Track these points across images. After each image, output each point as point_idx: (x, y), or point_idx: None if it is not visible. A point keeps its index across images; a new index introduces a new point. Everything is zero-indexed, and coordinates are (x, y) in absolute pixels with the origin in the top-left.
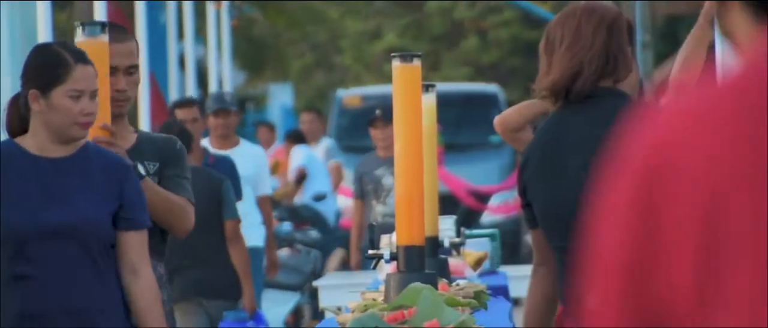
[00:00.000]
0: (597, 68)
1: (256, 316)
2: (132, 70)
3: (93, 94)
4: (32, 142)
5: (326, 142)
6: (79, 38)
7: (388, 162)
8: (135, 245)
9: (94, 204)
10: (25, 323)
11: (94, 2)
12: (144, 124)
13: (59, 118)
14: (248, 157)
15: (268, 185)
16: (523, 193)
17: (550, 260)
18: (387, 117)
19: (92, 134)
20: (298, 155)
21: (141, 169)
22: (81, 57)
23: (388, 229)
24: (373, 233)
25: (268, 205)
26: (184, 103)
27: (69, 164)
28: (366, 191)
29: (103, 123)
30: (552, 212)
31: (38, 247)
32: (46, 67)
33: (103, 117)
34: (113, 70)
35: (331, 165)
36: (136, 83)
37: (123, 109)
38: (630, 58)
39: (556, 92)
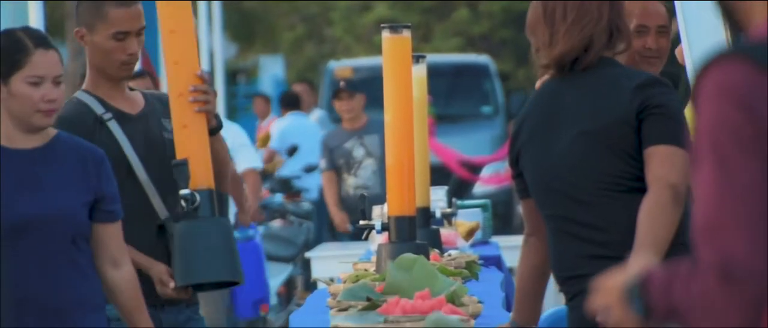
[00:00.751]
0: (605, 42)
1: (251, 227)
2: (141, 31)
3: (56, 80)
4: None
5: (318, 114)
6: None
7: (357, 134)
8: (114, 236)
9: (69, 195)
10: (4, 318)
11: None
12: None
13: (20, 105)
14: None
15: (252, 159)
16: (514, 162)
17: (541, 230)
18: (351, 88)
19: (188, 83)
20: (282, 125)
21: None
22: (42, 42)
23: (366, 200)
24: (364, 204)
25: (253, 177)
26: (137, 75)
27: (41, 155)
28: (338, 164)
29: (199, 71)
30: (544, 180)
31: (13, 240)
32: (6, 53)
33: (190, 69)
34: (124, 35)
35: None
36: (142, 43)
37: (132, 72)
38: (629, 31)
39: (562, 65)
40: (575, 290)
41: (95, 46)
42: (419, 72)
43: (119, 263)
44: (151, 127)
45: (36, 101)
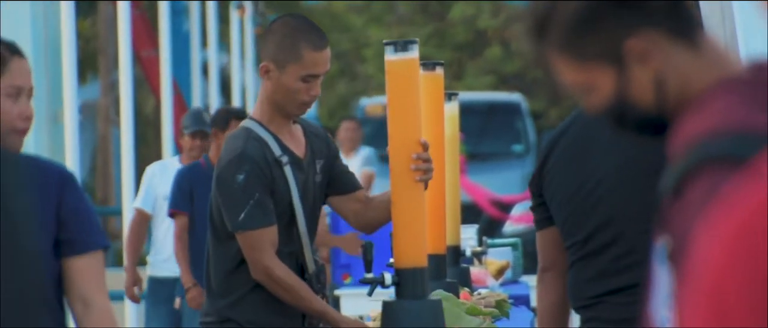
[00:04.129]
0: None
1: None
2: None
3: (30, 94)
4: None
5: (365, 152)
6: (390, 56)
7: None
8: (84, 272)
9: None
10: None
11: (118, 9)
12: (167, 130)
13: None
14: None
15: None
16: (538, 189)
17: (558, 263)
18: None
19: (408, 149)
20: None
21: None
22: (17, 50)
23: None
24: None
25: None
26: (244, 115)
27: None
28: None
29: (422, 139)
30: (577, 205)
31: None
32: None
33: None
34: (314, 78)
35: (363, 173)
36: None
37: (306, 112)
38: None
39: None
40: (589, 316)
41: (281, 84)
42: (452, 110)
43: (90, 302)
44: (310, 174)
45: (14, 118)
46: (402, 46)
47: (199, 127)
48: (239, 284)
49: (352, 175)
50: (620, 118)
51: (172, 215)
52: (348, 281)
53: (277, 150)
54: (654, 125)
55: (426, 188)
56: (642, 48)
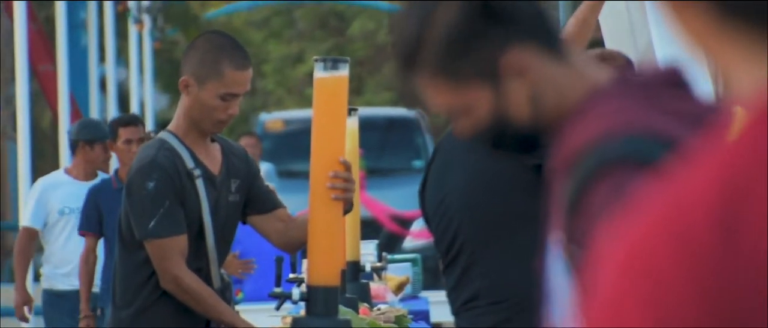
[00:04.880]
0: None
1: None
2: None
3: None
4: None
5: (264, 167)
6: (319, 73)
7: None
8: None
9: None
10: None
11: (15, 23)
12: (64, 144)
13: None
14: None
15: None
16: (423, 209)
17: None
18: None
19: (329, 167)
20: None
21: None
22: None
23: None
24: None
25: None
26: (130, 121)
27: None
28: None
29: (343, 158)
30: (437, 218)
31: None
32: None
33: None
34: (233, 97)
35: None
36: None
37: (222, 130)
38: None
39: None
40: (457, 324)
41: (199, 100)
42: (351, 125)
43: None
44: (223, 192)
45: None
46: (332, 63)
47: (104, 136)
48: (143, 295)
49: (273, 194)
50: (497, 137)
51: (82, 235)
52: (240, 296)
53: (190, 162)
54: (529, 142)
55: (350, 208)
56: (518, 63)
